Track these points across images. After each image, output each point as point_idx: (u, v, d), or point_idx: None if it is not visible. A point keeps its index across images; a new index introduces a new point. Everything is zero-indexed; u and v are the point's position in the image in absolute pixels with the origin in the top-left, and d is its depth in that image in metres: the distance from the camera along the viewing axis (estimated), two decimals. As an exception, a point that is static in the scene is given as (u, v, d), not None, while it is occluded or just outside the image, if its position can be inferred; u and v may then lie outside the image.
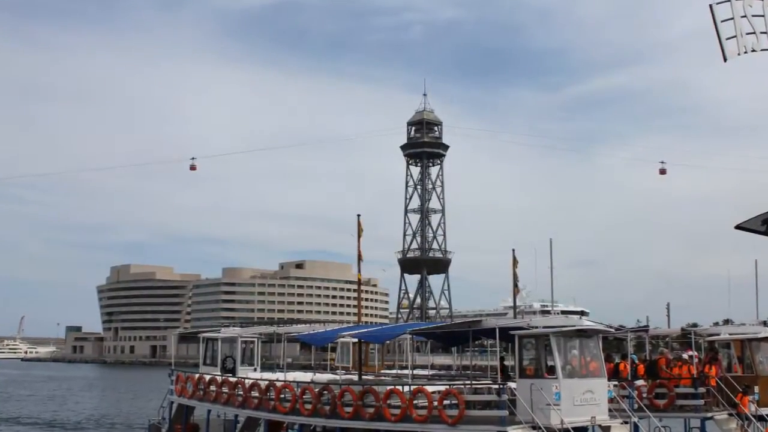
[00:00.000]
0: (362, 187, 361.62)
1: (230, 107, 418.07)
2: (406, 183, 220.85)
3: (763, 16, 16.42)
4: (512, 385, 20.50)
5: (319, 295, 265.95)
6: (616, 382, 24.23)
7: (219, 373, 29.55)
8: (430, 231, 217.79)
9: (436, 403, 20.51)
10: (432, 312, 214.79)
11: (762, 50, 16.37)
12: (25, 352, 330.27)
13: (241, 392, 26.65)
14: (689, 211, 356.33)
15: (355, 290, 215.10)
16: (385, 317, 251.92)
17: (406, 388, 21.49)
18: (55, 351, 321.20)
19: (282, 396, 24.83)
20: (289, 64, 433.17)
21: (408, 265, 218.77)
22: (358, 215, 31.73)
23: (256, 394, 25.86)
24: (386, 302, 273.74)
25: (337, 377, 26.53)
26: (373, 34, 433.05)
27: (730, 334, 27.17)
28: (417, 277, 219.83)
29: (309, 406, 23.74)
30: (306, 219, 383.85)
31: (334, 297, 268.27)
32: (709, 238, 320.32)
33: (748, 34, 16.23)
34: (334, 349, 35.34)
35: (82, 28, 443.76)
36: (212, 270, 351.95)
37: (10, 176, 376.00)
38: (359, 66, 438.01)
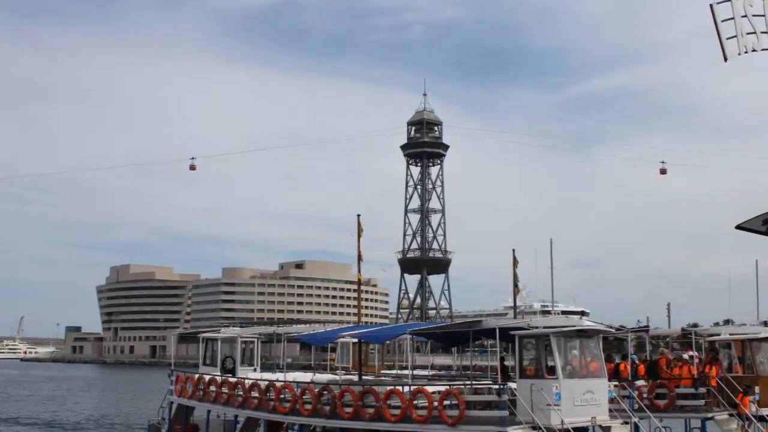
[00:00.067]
0: (362, 187, 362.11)
1: (230, 107, 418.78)
2: (406, 183, 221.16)
3: (763, 15, 16.39)
4: (512, 385, 20.45)
5: (319, 296, 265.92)
6: (616, 383, 24.21)
7: (219, 374, 29.52)
8: (430, 231, 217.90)
9: (436, 404, 20.48)
10: (432, 312, 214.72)
11: (762, 50, 16.34)
12: (25, 353, 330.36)
13: (241, 392, 26.62)
14: (689, 211, 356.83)
15: (355, 290, 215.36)
16: (385, 317, 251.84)
17: (406, 389, 21.46)
18: (55, 351, 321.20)
19: (282, 396, 24.80)
20: (289, 64, 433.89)
21: (408, 265, 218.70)
22: (358, 215, 31.76)
23: (256, 395, 25.83)
24: (386, 302, 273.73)
25: (337, 377, 26.51)
26: (373, 34, 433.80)
27: (730, 335, 27.16)
28: (417, 277, 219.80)
29: (309, 407, 23.71)
30: (306, 219, 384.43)
31: (334, 297, 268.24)
32: (709, 238, 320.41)
33: (748, 33, 16.20)
34: (334, 350, 35.26)
35: (82, 28, 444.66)
36: (212, 270, 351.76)
37: (10, 176, 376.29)
38: (359, 66, 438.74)
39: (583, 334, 20.89)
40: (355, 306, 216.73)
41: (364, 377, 28.11)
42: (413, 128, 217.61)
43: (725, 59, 16.01)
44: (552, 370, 19.79)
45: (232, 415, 28.36)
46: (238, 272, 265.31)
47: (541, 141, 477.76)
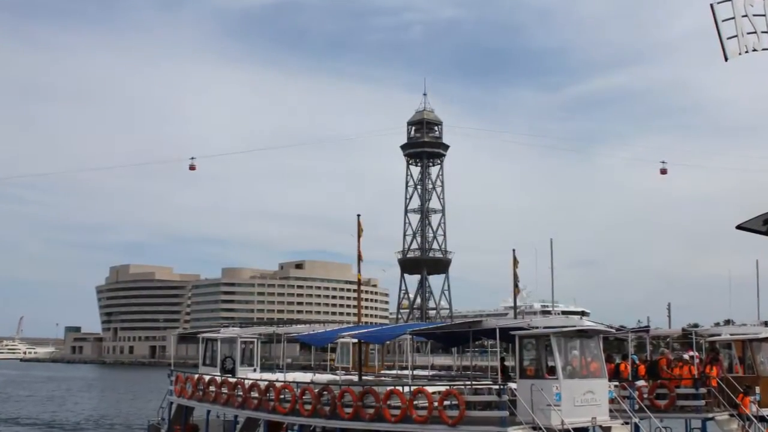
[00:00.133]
0: (362, 187, 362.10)
1: (230, 107, 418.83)
2: (406, 183, 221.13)
3: (764, 15, 16.37)
4: (513, 385, 20.43)
5: (318, 296, 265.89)
6: (616, 383, 24.20)
7: (218, 374, 29.49)
8: (430, 231, 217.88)
9: (436, 404, 20.45)
10: (432, 312, 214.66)
11: (763, 50, 16.31)
12: (24, 353, 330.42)
13: (241, 393, 26.59)
14: (689, 211, 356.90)
15: (355, 290, 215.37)
16: (385, 317, 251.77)
17: (407, 389, 21.43)
18: (54, 351, 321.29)
19: (282, 396, 24.77)
20: (289, 64, 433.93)
21: (408, 265, 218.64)
22: (358, 215, 31.76)
23: (256, 395, 25.80)
24: (386, 302, 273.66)
25: (337, 378, 26.48)
26: (373, 34, 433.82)
27: (731, 335, 27.15)
28: (417, 277, 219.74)
29: (309, 407, 23.68)
30: (306, 219, 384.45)
31: (333, 297, 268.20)
32: (709, 238, 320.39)
33: (749, 33, 16.17)
34: (333, 350, 35.19)
35: (82, 28, 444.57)
36: (212, 270, 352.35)
37: (10, 176, 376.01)
38: (359, 66, 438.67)
39: (584, 334, 20.87)
40: (355, 306, 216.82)
41: (364, 377, 28.08)
42: (413, 128, 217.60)
43: (726, 59, 15.98)
44: (552, 371, 19.77)
45: (232, 416, 28.33)
46: (237, 272, 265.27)
47: (541, 141, 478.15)
